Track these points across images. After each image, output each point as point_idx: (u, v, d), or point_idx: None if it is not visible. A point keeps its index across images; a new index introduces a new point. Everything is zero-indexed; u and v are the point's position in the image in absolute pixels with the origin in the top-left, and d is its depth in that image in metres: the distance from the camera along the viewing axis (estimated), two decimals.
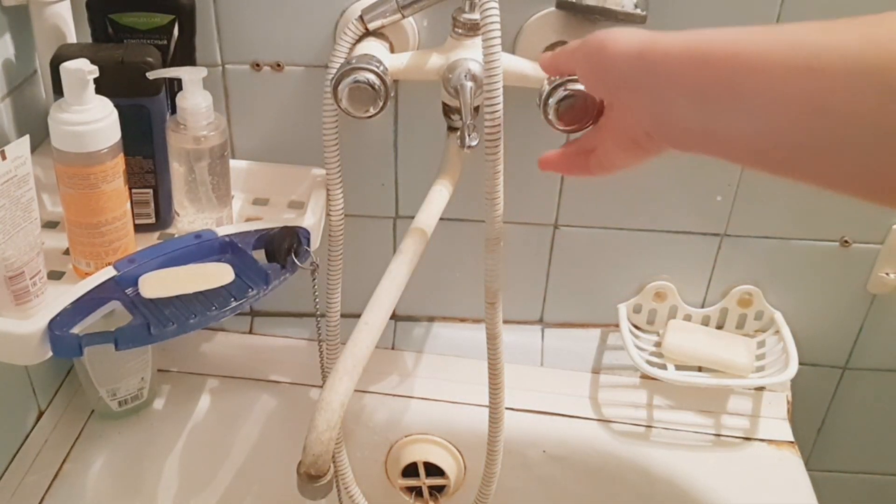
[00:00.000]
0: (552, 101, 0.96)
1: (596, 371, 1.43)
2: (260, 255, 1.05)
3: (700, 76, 0.62)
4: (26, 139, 0.89)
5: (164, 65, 1.07)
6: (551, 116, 0.98)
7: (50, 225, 1.12)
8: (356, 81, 1.02)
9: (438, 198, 1.07)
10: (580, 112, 0.93)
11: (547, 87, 0.97)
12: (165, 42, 1.09)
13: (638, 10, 1.06)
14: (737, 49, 0.60)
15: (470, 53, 1.07)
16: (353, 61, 1.03)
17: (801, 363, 1.33)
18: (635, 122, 0.73)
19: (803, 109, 0.56)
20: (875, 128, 0.53)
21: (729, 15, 1.14)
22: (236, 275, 0.99)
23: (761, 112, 0.58)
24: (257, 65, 1.21)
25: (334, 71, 1.04)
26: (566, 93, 0.95)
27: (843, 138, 0.54)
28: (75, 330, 0.92)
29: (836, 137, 0.55)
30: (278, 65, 1.21)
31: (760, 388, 1.40)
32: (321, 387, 1.20)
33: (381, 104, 1.04)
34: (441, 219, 1.06)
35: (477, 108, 1.07)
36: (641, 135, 0.74)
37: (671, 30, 0.92)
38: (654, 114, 0.68)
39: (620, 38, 0.70)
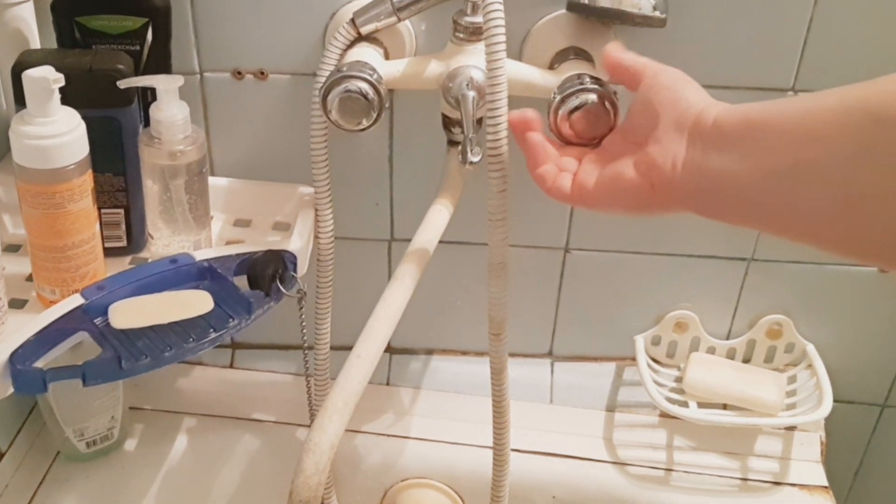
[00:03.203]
0: (562, 111, 0.96)
1: (611, 409, 1.43)
2: (242, 282, 1.04)
3: (734, 134, 0.75)
4: None
5: (137, 73, 1.07)
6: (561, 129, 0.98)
7: (11, 248, 1.12)
8: (347, 91, 1.02)
9: (438, 218, 1.07)
10: (592, 125, 0.93)
11: (557, 97, 0.96)
12: (138, 48, 1.09)
13: (657, 13, 1.06)
14: (763, 109, 0.74)
15: (472, 60, 1.07)
16: (344, 69, 1.03)
17: (835, 400, 1.32)
18: (670, 164, 0.80)
19: (802, 139, 0.69)
20: (856, 148, 0.65)
21: (751, 17, 1.14)
22: (216, 303, 0.99)
23: (772, 149, 0.71)
24: (239, 72, 1.21)
25: (323, 79, 1.04)
26: (578, 103, 0.95)
27: (831, 161, 0.67)
28: (39, 364, 0.91)
29: (826, 161, 0.67)
30: (262, 72, 1.21)
31: (791, 428, 1.39)
32: (309, 426, 1.19)
33: (374, 116, 1.04)
34: (440, 241, 1.05)
35: (480, 120, 1.07)
36: (663, 180, 0.81)
37: (690, 33, 1.14)
38: (692, 163, 0.79)
39: (692, 94, 0.82)
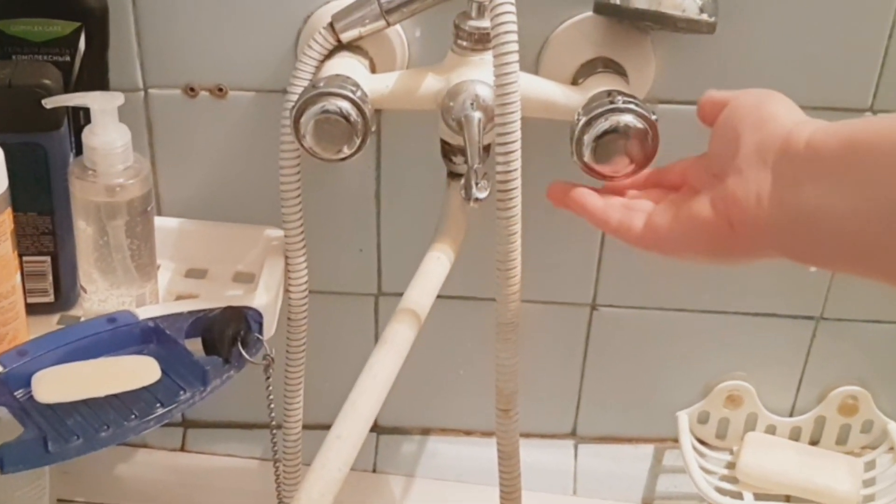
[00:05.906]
0: (588, 137, 0.96)
1: (648, 501, 1.43)
2: (196, 346, 1.04)
3: (834, 157, 0.73)
4: None
5: (67, 89, 1.06)
6: (587, 158, 0.97)
7: None
8: (325, 111, 1.02)
9: (435, 268, 1.07)
10: (624, 153, 0.92)
11: (582, 119, 0.96)
12: (68, 58, 1.09)
13: (704, 16, 1.05)
14: (871, 126, 0.71)
15: (478, 74, 1.06)
16: (321, 84, 1.03)
17: None
18: (754, 199, 0.78)
19: None
20: None
21: (819, 22, 1.13)
22: (163, 372, 0.98)
23: (870, 182, 0.69)
24: (192, 89, 1.21)
25: (296, 97, 1.04)
26: (607, 126, 0.94)
27: None
28: None
29: None
30: (220, 89, 1.21)
31: None
32: None
33: (357, 142, 1.04)
34: (439, 296, 1.06)
35: (487, 148, 1.07)
36: (745, 219, 0.79)
37: (745, 41, 1.14)
38: (780, 196, 0.77)
39: (779, 113, 0.81)
